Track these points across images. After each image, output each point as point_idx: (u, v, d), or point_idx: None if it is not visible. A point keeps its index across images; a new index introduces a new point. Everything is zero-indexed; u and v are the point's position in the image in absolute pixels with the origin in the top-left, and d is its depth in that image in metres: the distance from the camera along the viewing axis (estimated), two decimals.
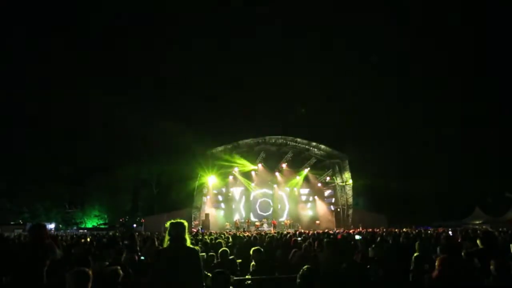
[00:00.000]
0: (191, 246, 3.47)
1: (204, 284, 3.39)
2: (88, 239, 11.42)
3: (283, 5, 48.84)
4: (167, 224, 3.49)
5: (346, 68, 44.99)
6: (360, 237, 10.09)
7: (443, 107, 40.27)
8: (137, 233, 14.71)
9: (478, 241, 6.11)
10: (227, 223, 28.90)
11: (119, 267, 4.27)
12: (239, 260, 6.31)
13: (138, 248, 7.07)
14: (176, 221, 3.49)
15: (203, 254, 6.37)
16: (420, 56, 44.34)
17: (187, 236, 3.44)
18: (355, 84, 44.41)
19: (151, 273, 3.52)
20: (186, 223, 3.50)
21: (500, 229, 15.45)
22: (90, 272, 3.21)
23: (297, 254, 6.46)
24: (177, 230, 3.42)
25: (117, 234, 17.46)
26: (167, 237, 3.46)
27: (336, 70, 44.43)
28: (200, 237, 11.53)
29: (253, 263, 5.67)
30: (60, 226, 35.66)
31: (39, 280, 3.91)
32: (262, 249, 5.85)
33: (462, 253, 5.37)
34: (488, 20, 40.70)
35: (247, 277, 5.24)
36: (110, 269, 4.30)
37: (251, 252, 5.74)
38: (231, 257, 6.17)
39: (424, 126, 40.54)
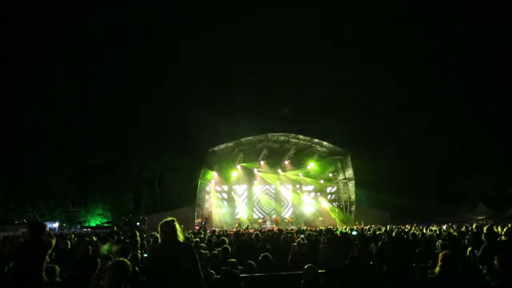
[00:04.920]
0: (183, 242, 3.50)
1: (203, 279, 3.41)
2: (94, 238, 11.45)
3: (282, 5, 48.65)
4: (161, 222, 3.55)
5: (347, 65, 44.79)
6: (356, 233, 10.09)
7: (444, 105, 40.09)
8: (146, 232, 14.77)
9: (482, 237, 6.12)
10: (236, 220, 29.03)
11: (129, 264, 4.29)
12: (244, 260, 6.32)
13: (138, 246, 7.11)
14: (164, 220, 3.53)
15: (206, 252, 6.39)
16: (423, 55, 44.05)
17: (179, 233, 3.47)
18: (356, 81, 44.20)
19: (148, 271, 3.56)
20: (176, 221, 3.54)
21: (502, 224, 15.39)
22: (129, 264, 3.26)
23: (298, 252, 6.48)
24: (168, 228, 3.45)
25: (120, 232, 17.51)
26: (160, 235, 3.52)
27: (337, 67, 44.21)
28: (202, 235, 11.54)
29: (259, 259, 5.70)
30: (64, 225, 35.86)
31: (37, 278, 3.90)
32: (269, 255, 5.86)
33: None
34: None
35: (251, 274, 5.26)
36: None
37: (259, 259, 5.77)
38: (234, 257, 6.19)
39: (424, 123, 40.37)
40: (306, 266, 4.20)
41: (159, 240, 6.82)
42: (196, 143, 31.25)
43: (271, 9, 47.54)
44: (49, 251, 4.18)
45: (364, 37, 46.92)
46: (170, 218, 3.55)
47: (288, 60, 48.74)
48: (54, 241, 4.33)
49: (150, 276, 3.42)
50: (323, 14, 45.89)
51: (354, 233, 7.94)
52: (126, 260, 3.31)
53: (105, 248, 6.47)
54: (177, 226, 3.50)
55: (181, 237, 3.48)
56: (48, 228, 4.54)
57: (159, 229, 3.52)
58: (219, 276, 4.29)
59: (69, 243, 7.76)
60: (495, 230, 9.35)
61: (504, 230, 7.79)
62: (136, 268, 4.58)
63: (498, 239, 6.35)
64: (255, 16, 47.91)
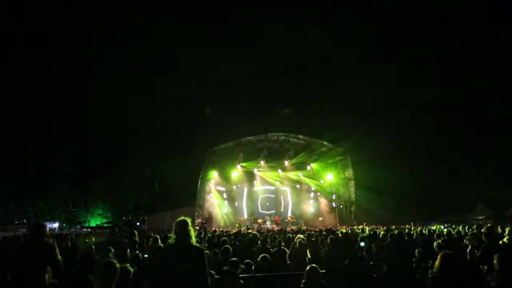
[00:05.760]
0: (196, 244, 3.49)
1: (209, 284, 3.41)
2: (93, 239, 11.47)
3: (282, 5, 48.56)
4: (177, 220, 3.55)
5: (347, 64, 44.75)
6: (364, 244, 9.67)
7: (445, 104, 40.07)
8: (147, 232, 14.77)
9: (482, 237, 6.13)
10: (237, 220, 29.11)
11: (128, 264, 4.27)
12: (244, 260, 6.32)
13: (137, 246, 7.12)
14: (180, 219, 3.52)
15: (207, 251, 6.40)
16: (424, 51, 43.99)
17: (192, 234, 3.46)
18: (356, 80, 44.16)
19: (155, 270, 3.55)
20: (189, 220, 3.54)
21: (502, 225, 15.38)
22: (117, 264, 3.22)
23: (297, 252, 6.49)
24: (181, 228, 3.45)
25: (120, 232, 17.50)
26: (173, 236, 3.50)
27: (337, 67, 44.17)
28: (203, 235, 11.55)
29: (258, 259, 5.70)
30: (64, 225, 35.86)
31: (39, 280, 3.88)
32: (268, 256, 5.88)
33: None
34: None
35: (251, 275, 5.26)
36: (120, 267, 4.30)
37: (258, 259, 5.78)
38: (234, 256, 6.19)
39: (425, 122, 40.36)
40: (308, 267, 4.20)
41: (159, 241, 6.85)
42: (196, 143, 31.29)
43: (270, 8, 47.44)
44: (56, 253, 4.15)
45: (365, 36, 46.85)
46: (185, 218, 3.54)
47: (288, 60, 48.69)
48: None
49: (157, 275, 3.42)
50: (323, 13, 45.87)
51: (362, 244, 7.48)
52: (114, 260, 3.27)
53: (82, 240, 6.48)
54: (191, 228, 3.50)
55: (194, 240, 3.47)
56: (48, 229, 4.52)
57: (173, 228, 3.51)
58: (218, 276, 4.30)
59: (69, 243, 7.77)
60: (495, 230, 9.34)
61: (507, 230, 7.81)
62: (136, 268, 4.58)
63: (501, 241, 6.35)
64: (253, 15, 47.84)
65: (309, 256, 6.60)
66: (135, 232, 8.54)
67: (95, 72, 41.49)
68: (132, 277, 4.09)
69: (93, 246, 7.71)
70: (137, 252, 6.14)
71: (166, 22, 45.07)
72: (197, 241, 3.66)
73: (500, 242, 6.14)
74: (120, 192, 39.15)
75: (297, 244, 7.25)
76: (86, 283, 3.71)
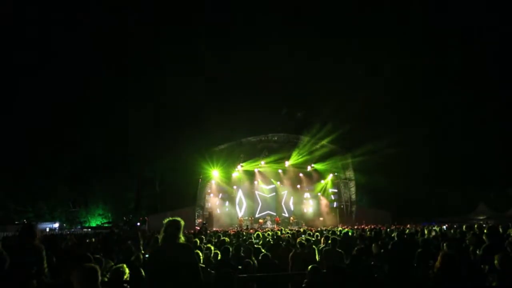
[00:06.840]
0: (183, 242, 3.48)
1: (203, 280, 3.40)
2: (93, 240, 11.45)
3: (283, 5, 48.51)
4: (165, 221, 3.53)
5: (347, 64, 44.70)
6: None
7: (445, 104, 40.06)
8: (147, 232, 14.79)
9: (484, 237, 6.12)
10: (237, 220, 29.15)
11: (124, 265, 4.27)
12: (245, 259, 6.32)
13: (141, 247, 7.13)
14: (170, 219, 3.51)
15: (207, 252, 6.40)
16: (423, 53, 43.98)
17: (180, 235, 3.45)
18: (357, 80, 44.11)
19: (148, 271, 3.54)
20: (181, 221, 3.53)
21: (502, 225, 15.34)
22: (99, 269, 3.16)
23: (299, 252, 6.47)
24: (170, 229, 3.44)
25: (120, 232, 17.50)
26: (161, 235, 3.50)
27: (337, 66, 44.12)
28: (203, 235, 11.55)
29: (258, 259, 5.69)
30: (64, 225, 35.87)
31: (26, 282, 3.81)
32: (269, 254, 5.87)
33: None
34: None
35: (251, 275, 5.25)
36: (114, 267, 4.29)
37: (259, 257, 5.78)
38: (234, 256, 6.19)
39: (425, 122, 40.36)
40: (310, 266, 4.20)
41: (159, 241, 6.86)
42: (197, 143, 31.27)
43: (271, 8, 47.44)
44: (42, 256, 4.11)
45: (365, 35, 46.81)
46: (175, 218, 3.54)
47: (288, 60, 48.66)
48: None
49: (150, 276, 3.41)
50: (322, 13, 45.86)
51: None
52: (95, 266, 3.20)
53: None
54: (181, 227, 3.49)
55: (181, 239, 3.47)
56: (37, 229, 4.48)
57: (163, 227, 3.51)
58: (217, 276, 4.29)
59: (69, 244, 7.78)
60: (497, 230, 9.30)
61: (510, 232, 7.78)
62: (141, 269, 4.59)
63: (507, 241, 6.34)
64: (254, 15, 47.83)
65: (317, 258, 6.60)
66: (138, 233, 8.55)
67: (95, 72, 41.49)
68: (129, 278, 4.08)
69: (98, 246, 7.72)
70: (139, 252, 6.14)
71: (166, 22, 45.09)
72: (194, 241, 3.66)
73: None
74: (120, 192, 39.16)
75: (298, 245, 7.24)
76: None
